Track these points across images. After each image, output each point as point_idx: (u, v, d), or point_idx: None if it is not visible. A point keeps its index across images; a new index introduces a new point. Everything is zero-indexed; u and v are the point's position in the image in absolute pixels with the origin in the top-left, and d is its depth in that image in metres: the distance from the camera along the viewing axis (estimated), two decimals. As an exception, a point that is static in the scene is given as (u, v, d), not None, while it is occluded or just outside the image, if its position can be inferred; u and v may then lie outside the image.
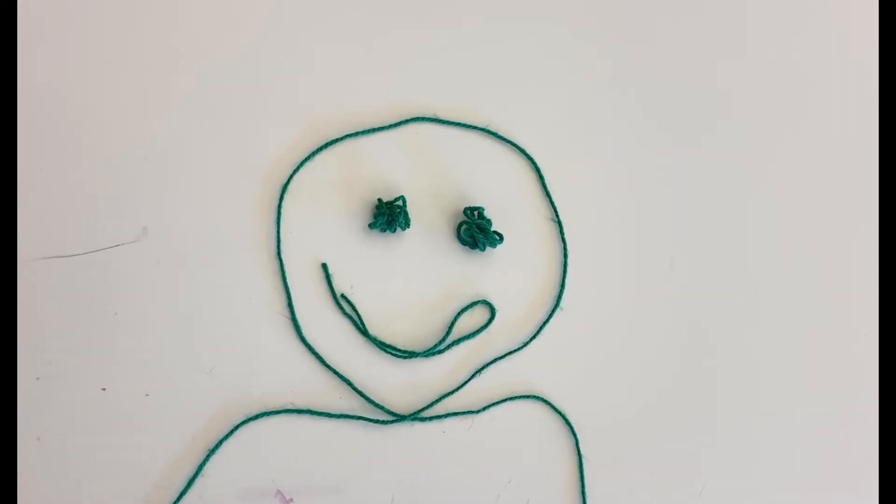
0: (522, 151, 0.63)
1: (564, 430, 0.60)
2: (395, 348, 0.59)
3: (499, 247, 0.61)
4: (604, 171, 0.65)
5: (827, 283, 0.67)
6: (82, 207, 0.56)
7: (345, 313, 0.59)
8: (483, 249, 0.61)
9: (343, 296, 0.59)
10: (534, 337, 0.61)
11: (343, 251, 0.59)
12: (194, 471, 0.55)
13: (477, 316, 0.61)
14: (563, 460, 0.60)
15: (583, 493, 0.59)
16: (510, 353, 0.61)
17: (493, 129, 0.63)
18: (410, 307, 0.60)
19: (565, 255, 0.63)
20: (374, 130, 0.61)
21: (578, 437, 0.60)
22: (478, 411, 0.59)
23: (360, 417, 0.57)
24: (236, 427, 0.56)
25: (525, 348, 0.61)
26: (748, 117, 0.68)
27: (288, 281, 0.58)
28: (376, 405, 0.58)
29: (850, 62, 0.71)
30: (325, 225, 0.59)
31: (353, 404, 0.58)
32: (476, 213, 0.61)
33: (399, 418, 0.58)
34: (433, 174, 0.62)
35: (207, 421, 0.55)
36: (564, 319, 0.62)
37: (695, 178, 0.66)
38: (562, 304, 0.62)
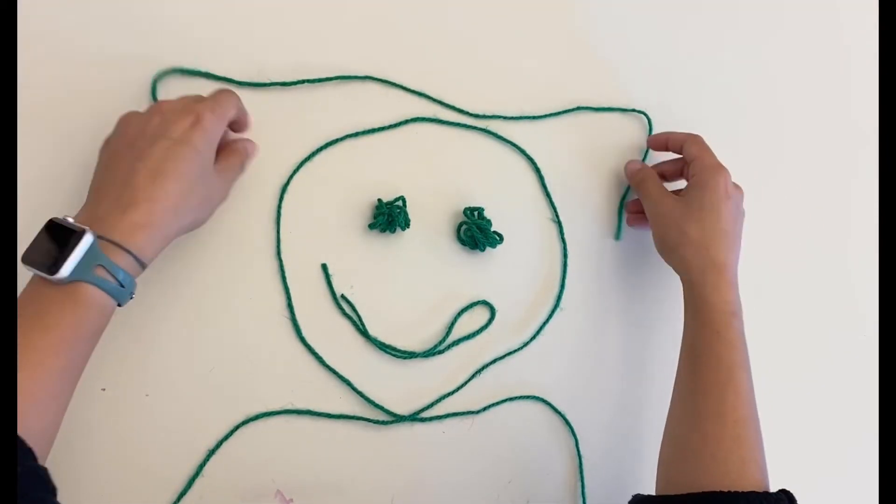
0: (522, 151, 0.63)
1: (564, 430, 0.60)
2: (395, 348, 0.59)
3: (499, 247, 0.61)
4: (603, 171, 0.65)
5: (827, 285, 0.67)
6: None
7: (345, 313, 0.59)
8: (483, 249, 0.61)
9: (343, 296, 0.59)
10: (534, 337, 0.61)
11: (343, 251, 0.59)
12: (194, 471, 0.54)
13: (477, 316, 0.61)
14: (563, 460, 0.60)
15: (583, 493, 0.59)
16: (510, 353, 0.61)
17: (493, 129, 0.63)
18: (410, 307, 0.60)
19: (565, 255, 0.63)
20: (374, 130, 0.61)
21: (578, 437, 0.60)
22: (478, 411, 0.59)
23: (360, 417, 0.57)
24: (236, 427, 0.56)
25: (525, 348, 0.61)
26: (747, 118, 0.68)
27: (288, 281, 0.58)
28: (376, 405, 0.58)
29: (851, 65, 0.71)
30: (325, 225, 0.59)
31: (353, 404, 0.58)
32: (476, 213, 0.61)
33: (399, 418, 0.58)
34: (433, 174, 0.62)
35: (207, 421, 0.55)
36: (564, 320, 0.62)
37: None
38: (562, 304, 0.62)
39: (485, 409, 0.59)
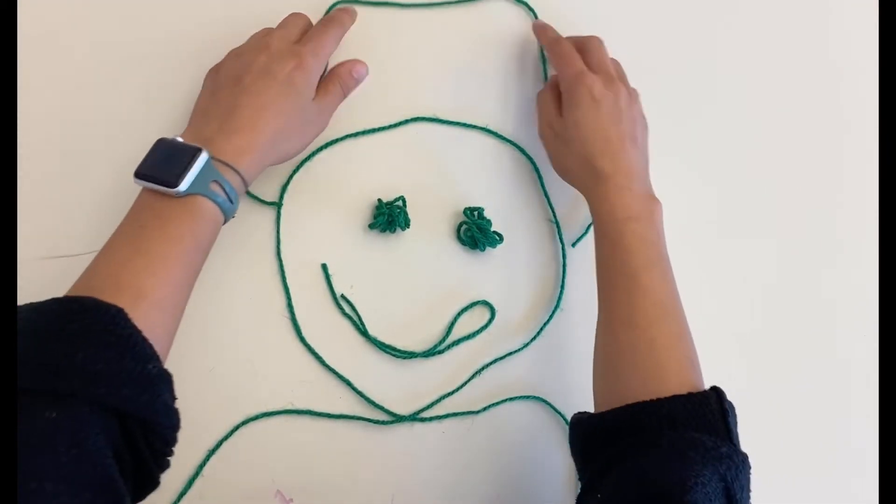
0: (522, 151, 0.63)
1: (564, 430, 0.60)
2: (395, 348, 0.59)
3: (499, 247, 0.61)
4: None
5: (827, 285, 0.67)
6: (82, 207, 0.56)
7: (345, 313, 0.59)
8: (483, 249, 0.61)
9: (343, 296, 0.59)
10: (534, 338, 0.61)
11: (343, 251, 0.59)
12: (194, 471, 0.54)
13: (477, 316, 0.61)
14: (564, 460, 0.60)
15: (583, 493, 0.59)
16: (510, 353, 0.61)
17: (493, 129, 0.63)
18: (410, 307, 0.60)
19: (564, 256, 0.63)
20: (374, 130, 0.61)
21: (578, 437, 0.60)
22: (478, 411, 0.59)
23: (360, 417, 0.57)
24: (236, 427, 0.56)
25: (525, 349, 0.61)
26: (747, 119, 0.68)
27: (288, 281, 0.58)
28: (376, 405, 0.58)
29: (852, 59, 0.71)
30: (325, 225, 0.59)
31: (353, 404, 0.58)
32: (476, 213, 0.61)
33: (399, 418, 0.58)
34: (433, 174, 0.62)
35: (207, 421, 0.55)
36: (565, 320, 0.62)
37: (693, 179, 0.66)
38: (562, 304, 0.62)
39: (485, 409, 0.59)
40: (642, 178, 0.56)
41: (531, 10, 0.65)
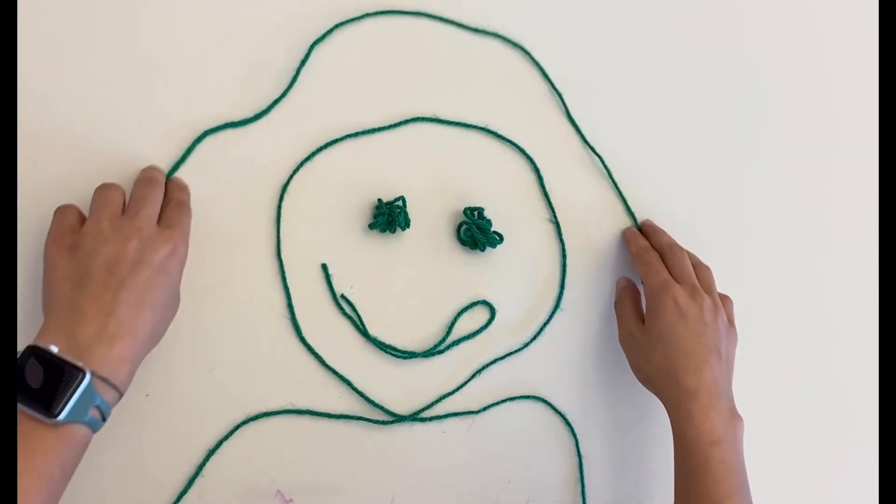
0: (522, 151, 0.63)
1: (564, 430, 0.60)
2: (395, 348, 0.59)
3: (499, 247, 0.61)
4: (603, 171, 0.65)
5: (828, 284, 0.67)
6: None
7: (345, 314, 0.59)
8: (483, 249, 0.61)
9: (343, 296, 0.59)
10: (534, 337, 0.61)
11: (343, 251, 0.59)
12: (194, 471, 0.55)
13: (477, 316, 0.61)
14: (563, 460, 0.60)
15: (583, 493, 0.59)
16: (510, 353, 0.61)
17: (493, 129, 0.63)
18: (410, 307, 0.60)
19: (564, 256, 0.63)
20: (374, 130, 0.61)
21: (578, 437, 0.60)
22: (478, 411, 0.59)
23: (360, 417, 0.57)
24: (236, 427, 0.56)
25: (525, 349, 0.61)
26: (747, 120, 0.68)
27: (288, 281, 0.58)
28: (376, 405, 0.58)
29: (851, 60, 0.71)
30: (325, 225, 0.59)
31: (353, 404, 0.58)
32: (476, 213, 0.61)
33: (399, 418, 0.58)
34: (433, 174, 0.62)
35: (207, 421, 0.55)
36: (565, 320, 0.62)
37: (694, 179, 0.66)
38: (562, 304, 0.62)
39: (485, 409, 0.59)
40: (725, 393, 0.55)
41: (526, 51, 0.65)
